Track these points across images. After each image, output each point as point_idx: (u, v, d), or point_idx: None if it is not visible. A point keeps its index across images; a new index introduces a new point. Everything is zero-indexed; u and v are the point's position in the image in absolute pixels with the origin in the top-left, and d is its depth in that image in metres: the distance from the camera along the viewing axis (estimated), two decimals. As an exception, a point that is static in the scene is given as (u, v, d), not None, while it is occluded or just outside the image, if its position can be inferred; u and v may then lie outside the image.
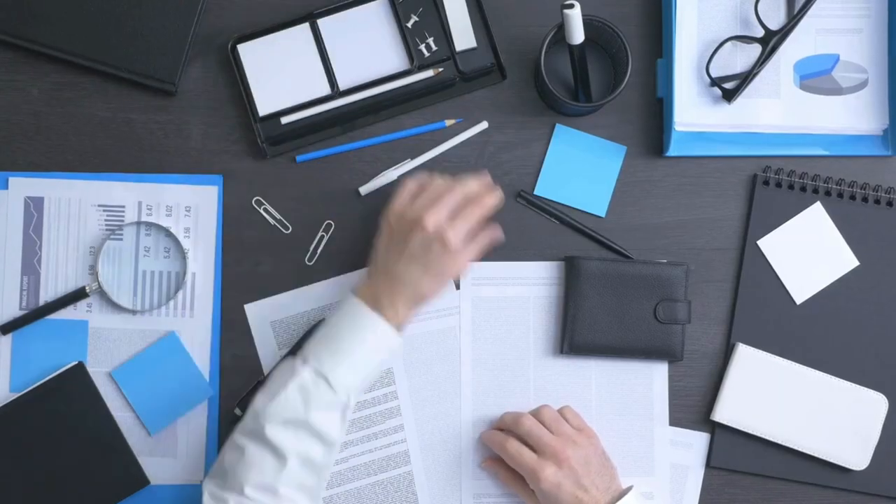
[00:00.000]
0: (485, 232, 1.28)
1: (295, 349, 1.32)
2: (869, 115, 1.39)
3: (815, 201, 1.38)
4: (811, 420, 1.36)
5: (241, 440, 1.20)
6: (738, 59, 1.39)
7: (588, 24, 1.30)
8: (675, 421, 1.38)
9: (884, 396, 1.37)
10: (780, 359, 1.37)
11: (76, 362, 1.35)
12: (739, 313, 1.38)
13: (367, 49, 1.36)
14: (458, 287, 1.35)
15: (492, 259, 1.37)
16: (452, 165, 1.39)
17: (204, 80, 1.39)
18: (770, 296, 1.38)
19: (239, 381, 1.37)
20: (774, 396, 1.36)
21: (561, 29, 1.30)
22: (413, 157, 1.39)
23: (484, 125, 1.40)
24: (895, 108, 1.39)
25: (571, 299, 1.35)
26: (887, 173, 1.40)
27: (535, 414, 1.31)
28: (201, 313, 1.37)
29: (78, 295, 1.36)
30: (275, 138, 1.38)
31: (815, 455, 1.36)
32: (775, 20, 1.38)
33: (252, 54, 1.38)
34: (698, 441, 1.38)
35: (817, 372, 1.37)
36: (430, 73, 1.38)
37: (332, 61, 1.38)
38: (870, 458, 1.37)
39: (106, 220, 1.37)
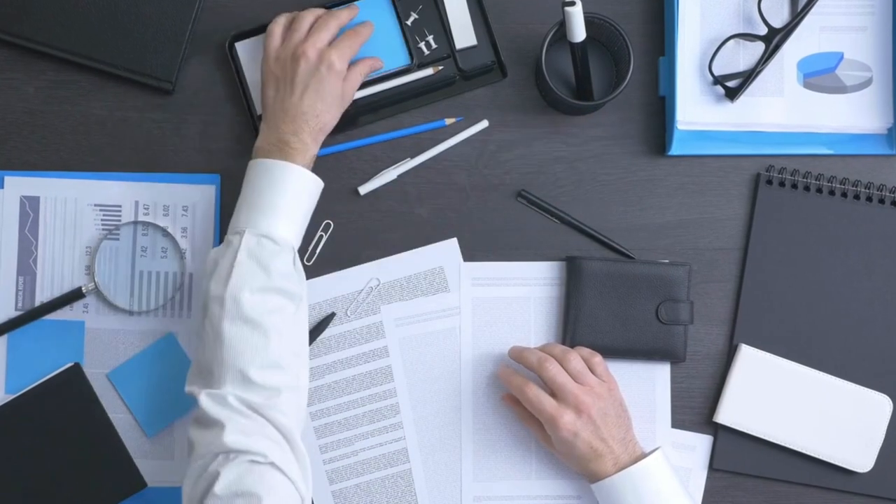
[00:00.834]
0: (367, 60, 1.32)
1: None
2: (873, 113, 1.39)
3: (818, 200, 1.37)
4: (815, 422, 1.36)
5: (218, 329, 1.19)
6: (741, 57, 1.39)
7: (589, 21, 1.29)
8: (677, 423, 1.38)
9: (888, 398, 1.37)
10: (784, 360, 1.36)
11: (72, 363, 1.35)
12: (742, 314, 1.38)
13: (367, 46, 1.35)
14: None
15: (492, 259, 1.37)
16: (452, 164, 1.39)
17: (202, 79, 1.39)
18: (773, 296, 1.38)
19: None
20: (778, 398, 1.36)
21: (562, 27, 1.29)
22: (412, 155, 1.39)
23: (484, 124, 1.39)
24: (900, 107, 1.39)
25: (573, 300, 1.35)
26: (891, 172, 1.39)
27: (562, 361, 1.30)
28: (199, 314, 1.34)
29: (74, 295, 1.36)
30: None
31: (819, 457, 1.36)
32: (779, 18, 1.38)
33: (250, 52, 1.37)
34: (701, 443, 1.37)
35: (821, 373, 1.36)
36: (429, 71, 1.38)
37: None
38: (874, 460, 1.36)
39: (102, 220, 1.37)
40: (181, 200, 1.37)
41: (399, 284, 1.37)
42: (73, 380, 1.34)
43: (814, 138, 1.39)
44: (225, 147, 1.38)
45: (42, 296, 1.36)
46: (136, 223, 1.37)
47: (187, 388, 1.20)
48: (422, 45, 1.37)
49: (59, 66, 1.38)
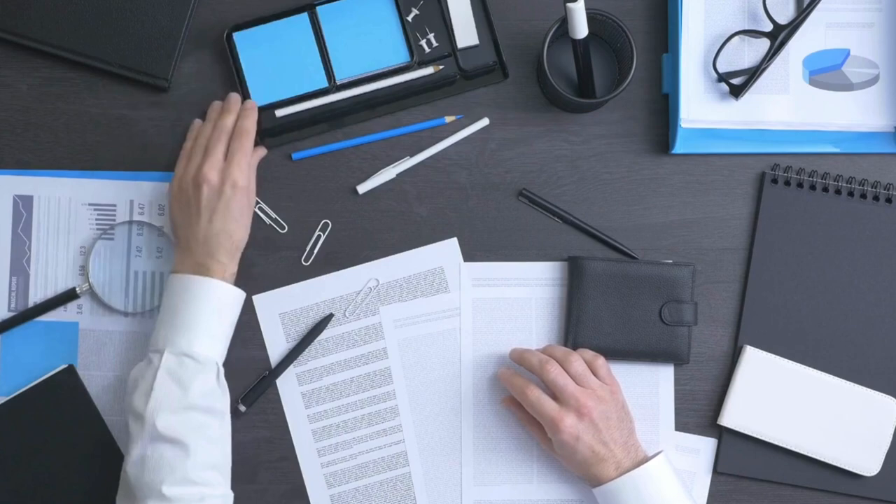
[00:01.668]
0: (255, 153, 1.31)
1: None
2: (880, 111, 1.38)
3: (824, 200, 1.37)
4: (821, 425, 1.35)
5: (137, 450, 1.21)
6: (746, 53, 1.38)
7: (592, 18, 1.29)
8: (680, 426, 1.37)
9: (895, 400, 1.35)
10: (789, 361, 1.35)
11: (66, 365, 1.34)
12: (747, 315, 1.37)
13: (367, 43, 1.35)
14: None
15: (493, 259, 1.37)
16: (452, 163, 1.38)
17: (198, 76, 1.38)
18: (778, 297, 1.37)
19: (233, 384, 1.34)
20: (783, 400, 1.35)
21: (564, 23, 1.29)
22: (412, 154, 1.38)
23: (485, 122, 1.38)
24: (907, 105, 1.38)
25: (575, 300, 1.34)
26: (898, 171, 1.39)
27: (564, 363, 1.30)
28: None
29: (68, 296, 1.35)
30: (269, 131, 1.36)
31: (825, 461, 1.35)
32: (784, 14, 1.37)
33: (248, 44, 1.36)
34: (705, 446, 1.37)
35: (827, 375, 1.35)
36: (430, 69, 1.37)
37: (330, 54, 1.36)
38: (881, 463, 1.35)
39: (97, 220, 1.36)
40: None
41: (398, 285, 1.37)
42: (67, 382, 1.34)
43: (820, 136, 1.38)
44: None
45: (35, 296, 1.36)
46: (130, 223, 1.36)
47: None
48: (423, 42, 1.37)
49: (52, 63, 1.37)
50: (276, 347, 1.37)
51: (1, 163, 1.36)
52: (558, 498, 1.36)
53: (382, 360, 1.37)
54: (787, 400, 1.35)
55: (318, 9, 1.36)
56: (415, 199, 1.38)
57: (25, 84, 1.37)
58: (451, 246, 1.37)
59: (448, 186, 1.38)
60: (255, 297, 1.36)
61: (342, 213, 1.38)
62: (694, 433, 1.37)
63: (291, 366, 1.36)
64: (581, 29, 1.27)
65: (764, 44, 1.36)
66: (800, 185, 1.36)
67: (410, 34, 1.37)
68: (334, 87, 1.36)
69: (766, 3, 1.36)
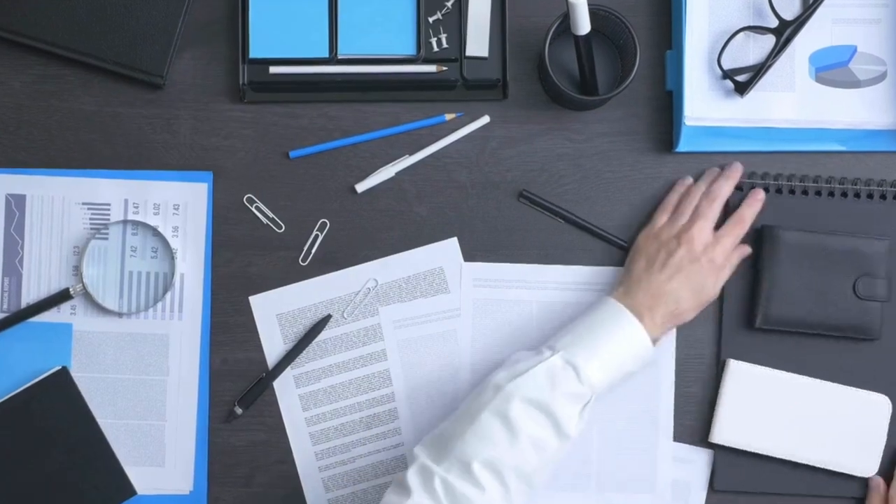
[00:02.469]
0: (738, 249, 1.31)
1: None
2: (887, 108, 1.37)
3: (818, 203, 1.36)
4: (814, 431, 1.34)
5: (476, 411, 1.18)
6: (751, 50, 1.38)
7: (594, 14, 1.28)
8: (676, 436, 1.37)
9: (887, 398, 1.35)
10: (774, 370, 1.35)
11: (60, 367, 1.34)
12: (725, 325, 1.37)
13: (378, 25, 1.36)
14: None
15: (493, 260, 1.36)
16: (453, 161, 1.38)
17: (194, 73, 1.38)
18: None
19: (229, 387, 1.36)
20: (773, 410, 1.34)
21: (566, 19, 1.28)
22: (411, 152, 1.38)
23: (485, 119, 1.37)
24: (915, 102, 1.38)
25: (767, 271, 1.34)
26: (906, 169, 1.39)
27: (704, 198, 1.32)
28: (190, 316, 1.36)
29: (62, 297, 1.35)
30: (258, 85, 1.36)
31: (822, 466, 1.34)
32: (790, 10, 1.37)
33: None
34: (700, 458, 1.36)
35: (814, 380, 1.35)
36: (433, 68, 1.37)
37: (339, 26, 1.36)
38: (878, 463, 1.34)
39: (91, 219, 1.36)
40: (172, 199, 1.36)
41: (398, 285, 1.36)
42: (61, 384, 1.34)
43: (826, 134, 1.38)
44: (218, 144, 1.37)
45: (28, 297, 1.35)
46: (125, 222, 1.36)
47: (416, 448, 1.20)
48: (433, 40, 1.37)
49: (45, 59, 1.36)
50: (273, 349, 1.36)
51: (-7, 161, 1.37)
52: (552, 504, 1.36)
53: (381, 361, 1.36)
54: (778, 409, 1.34)
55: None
56: (414, 198, 1.37)
57: (18, 81, 1.37)
58: (452, 246, 1.36)
59: (448, 185, 1.37)
60: (251, 298, 1.36)
61: (340, 212, 1.37)
62: (688, 443, 1.36)
63: (289, 368, 1.35)
64: (583, 25, 1.26)
65: (769, 40, 1.36)
66: (791, 192, 1.36)
67: (423, 29, 1.37)
68: (334, 60, 1.36)
69: (772, -2, 1.36)
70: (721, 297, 1.35)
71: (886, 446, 1.34)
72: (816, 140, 1.37)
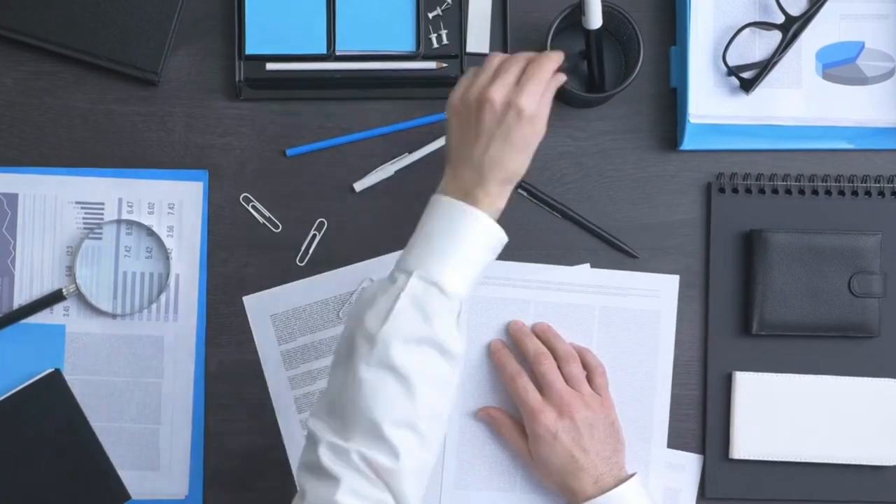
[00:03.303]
0: (550, 83, 1.20)
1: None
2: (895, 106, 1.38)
3: (828, 201, 1.36)
4: (835, 428, 1.34)
5: (357, 368, 1.11)
6: (757, 46, 1.37)
7: None
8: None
9: None
10: (782, 375, 1.34)
11: (52, 369, 1.34)
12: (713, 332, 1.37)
13: (377, 22, 1.36)
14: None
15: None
16: None
17: (189, 70, 1.37)
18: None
19: (226, 389, 1.35)
20: (789, 415, 1.34)
21: (569, 15, 1.28)
22: (411, 150, 1.37)
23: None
24: (924, 99, 1.37)
25: (759, 275, 1.33)
26: (915, 167, 1.38)
27: (560, 360, 1.30)
28: (186, 317, 1.35)
29: (54, 298, 1.34)
30: (254, 81, 1.36)
31: (850, 463, 1.34)
32: (796, 5, 1.36)
33: None
34: (689, 463, 1.36)
35: (823, 377, 1.35)
36: (433, 64, 1.37)
37: (337, 22, 1.36)
38: None
39: (84, 218, 1.35)
40: (167, 198, 1.35)
41: None
42: (54, 387, 1.33)
43: (833, 132, 1.37)
44: (213, 142, 1.37)
45: (20, 298, 1.35)
46: (119, 222, 1.35)
47: (310, 423, 1.14)
48: (433, 36, 1.37)
49: (38, 56, 1.36)
50: (267, 351, 1.35)
51: (-15, 159, 1.37)
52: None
53: None
54: (794, 413, 1.34)
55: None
56: (414, 197, 1.33)
57: (10, 78, 1.36)
58: None
59: None
60: (244, 299, 1.35)
61: (338, 211, 1.37)
62: (678, 448, 1.36)
63: (284, 369, 1.34)
64: (596, 19, 1.26)
65: (776, 36, 1.35)
66: (760, 191, 1.36)
67: (423, 25, 1.36)
68: (332, 56, 1.36)
69: (778, -7, 1.35)
70: (707, 305, 1.35)
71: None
72: (823, 138, 1.37)
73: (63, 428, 1.33)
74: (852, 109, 1.37)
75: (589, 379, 1.30)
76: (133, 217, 1.35)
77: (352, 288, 1.35)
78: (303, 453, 1.13)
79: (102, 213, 1.35)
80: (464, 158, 1.18)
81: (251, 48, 1.35)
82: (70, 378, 1.34)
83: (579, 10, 1.25)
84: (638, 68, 1.29)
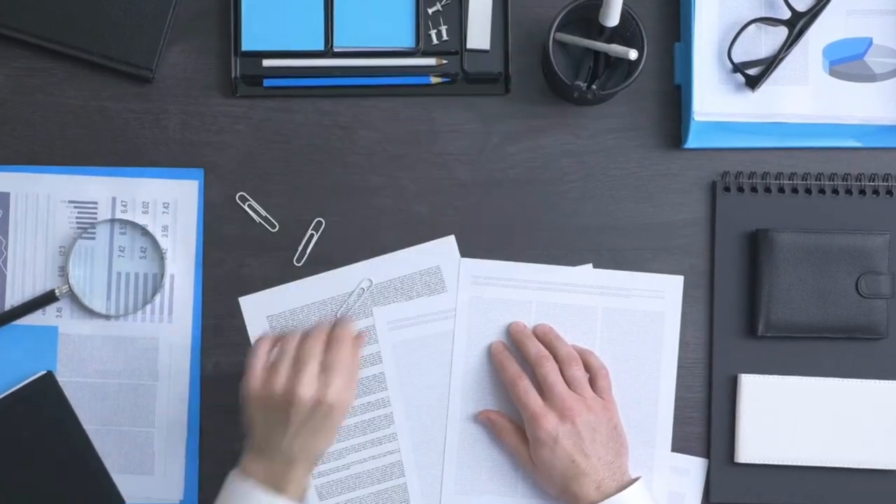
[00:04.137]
0: (354, 360, 1.21)
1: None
2: None
3: (834, 200, 1.35)
4: (843, 431, 1.33)
5: None
6: (763, 42, 1.36)
7: (597, 4, 1.27)
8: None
9: None
10: (788, 377, 1.34)
11: (45, 372, 1.34)
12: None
13: (375, 17, 1.36)
14: None
15: (491, 258, 1.35)
16: (453, 158, 1.37)
17: (184, 66, 1.37)
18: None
19: (221, 392, 1.34)
20: (796, 418, 1.33)
21: (572, 10, 1.28)
22: (411, 148, 1.37)
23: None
24: (933, 96, 1.37)
25: (765, 276, 1.33)
26: (923, 165, 1.38)
27: (562, 362, 1.29)
28: (181, 318, 1.35)
29: (47, 298, 1.34)
30: (250, 78, 1.36)
31: (858, 467, 1.33)
32: (803, 1, 1.35)
33: None
34: (694, 467, 1.35)
35: (831, 379, 1.34)
36: (432, 61, 1.36)
37: (335, 18, 1.36)
38: None
39: (77, 218, 1.35)
40: (162, 197, 1.35)
41: (393, 285, 1.35)
42: (46, 389, 1.33)
43: (840, 130, 1.37)
44: (209, 139, 1.36)
45: (12, 299, 1.35)
46: (113, 221, 1.35)
47: None
48: (433, 32, 1.37)
49: (31, 52, 1.35)
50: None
51: (-24, 158, 1.37)
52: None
53: (376, 364, 1.35)
54: (801, 417, 1.33)
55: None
56: (413, 195, 1.37)
57: (2, 75, 1.36)
58: (449, 243, 1.35)
59: (448, 182, 1.36)
60: (241, 299, 1.35)
61: (337, 211, 1.36)
62: (683, 452, 1.35)
63: None
64: (615, 16, 1.26)
65: (782, 32, 1.35)
66: (763, 190, 1.35)
67: (422, 21, 1.36)
68: (330, 53, 1.36)
69: (785, -12, 1.35)
70: (712, 306, 1.35)
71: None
72: (830, 136, 1.36)
73: (56, 431, 1.33)
74: (860, 107, 1.36)
75: (591, 381, 1.30)
76: (127, 216, 1.35)
77: (350, 288, 1.34)
78: None
79: (96, 213, 1.35)
80: (270, 446, 1.18)
81: (247, 44, 1.35)
82: (63, 380, 1.33)
83: (588, 5, 1.26)
84: (641, 65, 1.28)
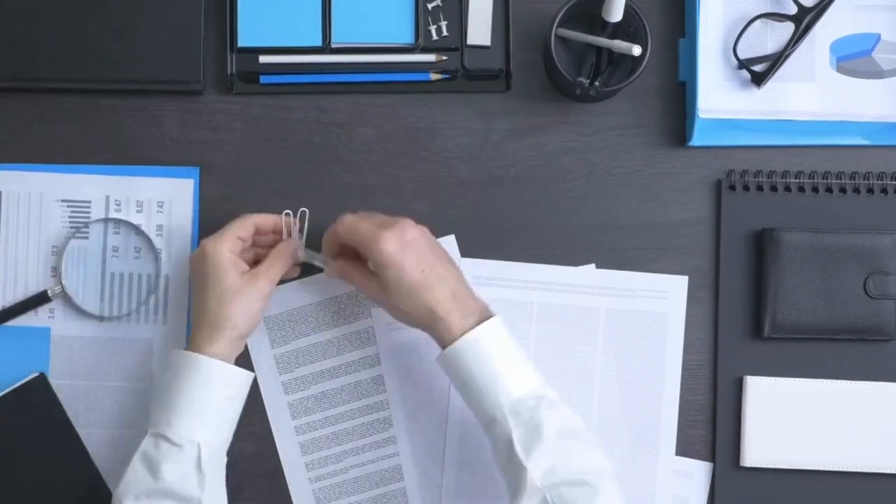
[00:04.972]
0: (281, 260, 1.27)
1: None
2: None
3: (842, 199, 1.34)
4: (850, 435, 1.33)
5: None
6: (769, 38, 1.36)
7: None
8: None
9: None
10: (795, 379, 1.33)
11: (37, 373, 1.33)
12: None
13: (374, 13, 1.35)
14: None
15: (492, 258, 1.35)
16: (453, 156, 1.36)
17: None
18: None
19: None
20: (802, 422, 1.33)
21: (574, 6, 1.28)
22: (410, 148, 1.37)
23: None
24: (942, 93, 1.36)
25: (771, 276, 1.32)
26: (933, 164, 1.38)
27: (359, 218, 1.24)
28: (176, 320, 1.35)
29: (39, 299, 1.33)
30: (246, 75, 1.35)
31: (866, 471, 1.33)
32: None
33: None
34: (699, 470, 1.34)
35: (838, 381, 1.33)
36: (432, 57, 1.36)
37: (333, 14, 1.36)
38: None
39: (70, 217, 1.35)
40: (156, 196, 1.35)
41: None
42: (38, 391, 1.33)
43: (848, 128, 1.36)
44: (205, 137, 1.36)
45: (3, 300, 1.34)
46: (106, 220, 1.35)
47: None
48: (432, 28, 1.36)
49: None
50: (260, 354, 1.34)
51: (-33, 156, 1.37)
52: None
53: (374, 366, 1.35)
54: (807, 420, 1.33)
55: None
56: (412, 194, 1.36)
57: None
58: (449, 244, 1.34)
59: (448, 181, 1.36)
60: None
61: (335, 210, 1.32)
62: (687, 456, 1.35)
63: (277, 373, 1.33)
64: (619, 11, 1.26)
65: (788, 28, 1.34)
66: (769, 188, 1.35)
67: (422, 17, 1.36)
68: (328, 49, 1.35)
69: (791, -17, 1.35)
70: (717, 307, 1.34)
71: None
72: (838, 133, 1.36)
73: (48, 434, 1.32)
74: (867, 104, 1.36)
75: None
76: (121, 216, 1.34)
77: (349, 289, 1.34)
78: None
79: (89, 212, 1.34)
80: (197, 311, 1.25)
81: (244, 40, 1.34)
82: (55, 382, 1.33)
83: (591, 1, 1.26)
84: (645, 61, 1.28)
